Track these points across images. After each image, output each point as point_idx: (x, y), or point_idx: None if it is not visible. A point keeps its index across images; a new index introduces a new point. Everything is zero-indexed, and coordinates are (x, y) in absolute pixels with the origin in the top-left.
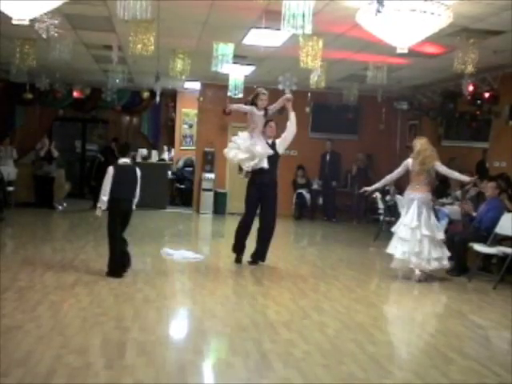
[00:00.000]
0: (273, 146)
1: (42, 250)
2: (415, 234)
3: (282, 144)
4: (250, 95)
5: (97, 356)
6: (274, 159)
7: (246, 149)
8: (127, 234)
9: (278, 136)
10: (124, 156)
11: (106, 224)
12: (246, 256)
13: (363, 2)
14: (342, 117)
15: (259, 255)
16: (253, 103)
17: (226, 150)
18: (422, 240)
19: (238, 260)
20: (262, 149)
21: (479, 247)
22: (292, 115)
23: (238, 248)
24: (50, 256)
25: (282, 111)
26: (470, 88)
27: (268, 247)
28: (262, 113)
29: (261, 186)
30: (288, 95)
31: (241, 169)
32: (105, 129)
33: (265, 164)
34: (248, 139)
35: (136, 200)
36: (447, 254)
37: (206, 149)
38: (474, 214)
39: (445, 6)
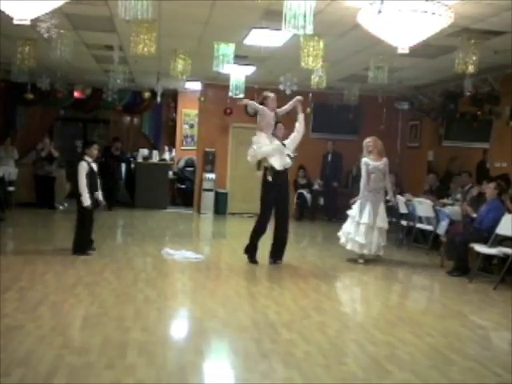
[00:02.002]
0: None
1: (42, 250)
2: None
3: (290, 145)
4: (259, 97)
5: (98, 356)
6: None
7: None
8: (128, 234)
9: (285, 137)
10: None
11: (105, 224)
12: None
13: (364, 2)
14: (343, 117)
15: (277, 255)
16: (262, 105)
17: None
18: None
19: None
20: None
21: (480, 248)
22: (301, 116)
23: (254, 249)
24: (51, 256)
25: (290, 112)
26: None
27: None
28: (272, 114)
29: (278, 186)
30: (299, 97)
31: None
32: (106, 129)
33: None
34: (268, 141)
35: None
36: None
37: (207, 149)
38: (474, 215)
39: (446, 6)
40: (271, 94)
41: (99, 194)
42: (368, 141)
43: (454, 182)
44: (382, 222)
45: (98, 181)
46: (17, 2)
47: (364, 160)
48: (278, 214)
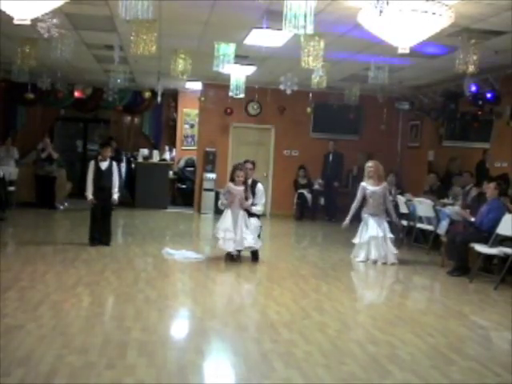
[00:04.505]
0: (252, 186)
1: (43, 250)
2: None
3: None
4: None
5: (98, 356)
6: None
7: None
8: (128, 234)
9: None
10: None
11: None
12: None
13: (365, 2)
14: (344, 117)
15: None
16: (232, 179)
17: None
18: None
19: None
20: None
21: (480, 248)
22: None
23: None
24: (52, 256)
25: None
26: (473, 89)
27: None
28: (241, 188)
29: None
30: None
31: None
32: (106, 129)
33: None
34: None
35: None
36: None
37: (208, 149)
38: (472, 219)
39: (446, 6)
40: (237, 166)
41: (114, 193)
42: (370, 165)
43: (454, 183)
44: (388, 232)
45: (114, 180)
46: (17, 1)
47: (362, 184)
48: None
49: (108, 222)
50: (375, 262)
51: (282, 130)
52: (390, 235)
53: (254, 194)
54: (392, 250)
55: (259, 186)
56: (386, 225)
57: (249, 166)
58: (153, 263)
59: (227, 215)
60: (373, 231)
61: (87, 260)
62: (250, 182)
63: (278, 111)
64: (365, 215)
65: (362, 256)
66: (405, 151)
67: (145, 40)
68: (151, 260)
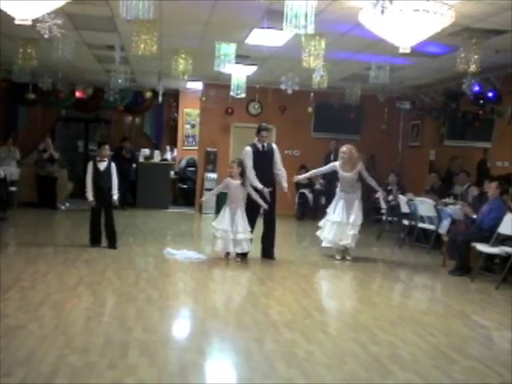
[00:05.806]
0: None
1: (44, 250)
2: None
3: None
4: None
5: (99, 356)
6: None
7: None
8: (130, 234)
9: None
10: None
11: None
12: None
13: (366, 2)
14: (345, 117)
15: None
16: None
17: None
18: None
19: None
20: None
21: (482, 247)
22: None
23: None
24: (53, 256)
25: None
26: (476, 88)
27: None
28: (238, 181)
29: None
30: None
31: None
32: (107, 129)
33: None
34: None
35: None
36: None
37: (209, 149)
38: (474, 216)
39: (447, 5)
40: (233, 160)
41: (114, 194)
42: (343, 150)
43: (455, 182)
44: (356, 218)
45: (113, 180)
46: (18, 2)
47: (335, 164)
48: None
49: (111, 225)
50: (331, 242)
51: (283, 130)
52: (357, 221)
53: (272, 155)
54: (353, 233)
55: (275, 147)
56: (356, 210)
57: (264, 134)
58: (154, 263)
59: (225, 214)
60: (337, 217)
61: (88, 260)
62: (265, 145)
63: (279, 111)
64: (337, 190)
65: (327, 239)
66: (406, 151)
67: (145, 40)
68: (152, 260)
